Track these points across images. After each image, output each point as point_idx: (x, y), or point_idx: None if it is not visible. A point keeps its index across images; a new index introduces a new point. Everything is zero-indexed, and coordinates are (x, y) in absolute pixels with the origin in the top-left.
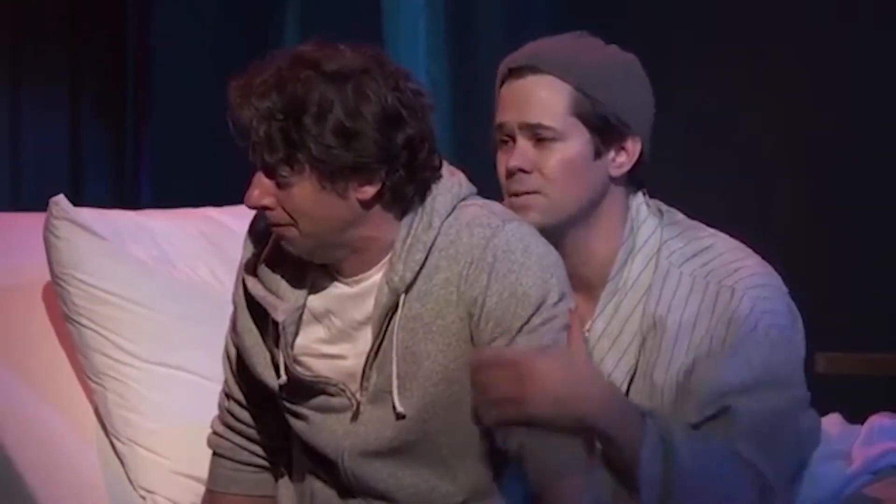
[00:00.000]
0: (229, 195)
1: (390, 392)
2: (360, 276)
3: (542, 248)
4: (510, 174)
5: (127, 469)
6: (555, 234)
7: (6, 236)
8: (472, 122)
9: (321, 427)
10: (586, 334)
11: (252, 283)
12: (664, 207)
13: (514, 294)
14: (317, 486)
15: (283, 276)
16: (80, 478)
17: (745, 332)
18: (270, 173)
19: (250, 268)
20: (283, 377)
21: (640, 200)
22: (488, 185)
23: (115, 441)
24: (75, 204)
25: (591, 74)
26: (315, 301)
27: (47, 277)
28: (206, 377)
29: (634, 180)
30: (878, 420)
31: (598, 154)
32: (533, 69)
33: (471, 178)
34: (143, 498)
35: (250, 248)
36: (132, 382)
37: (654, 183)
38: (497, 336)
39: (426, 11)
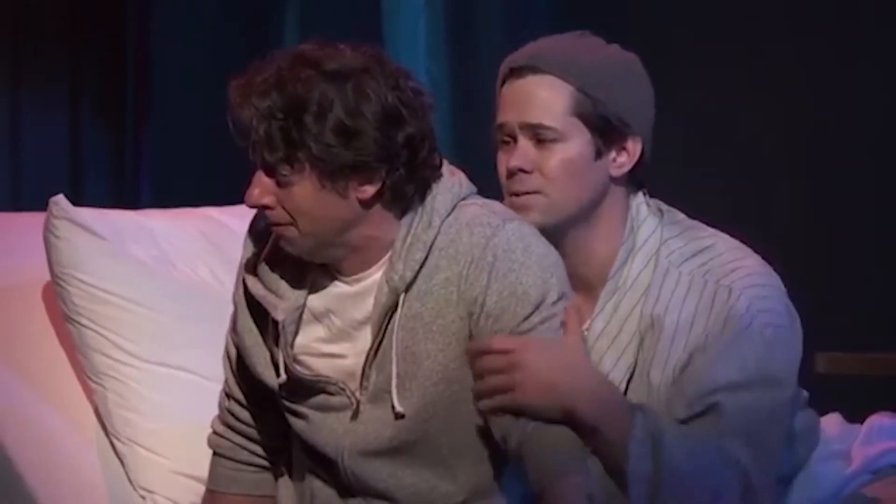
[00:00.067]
0: (229, 195)
1: (390, 391)
2: (360, 275)
3: (543, 248)
4: (511, 174)
5: (127, 469)
6: (555, 233)
7: (6, 236)
8: (472, 122)
9: (321, 426)
10: (585, 333)
11: (252, 283)
12: (664, 207)
13: (514, 293)
14: (317, 485)
15: (283, 276)
16: (80, 478)
17: (740, 329)
18: (271, 172)
19: (250, 267)
20: (283, 376)
21: (640, 200)
22: (488, 185)
23: (115, 441)
24: (75, 204)
25: (592, 74)
26: (315, 300)
27: (47, 277)
28: (206, 377)
29: (635, 180)
30: (877, 419)
31: (598, 154)
32: (534, 69)
33: (471, 178)
34: (143, 498)
35: (250, 248)
36: (132, 382)
37: (654, 183)
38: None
39: (426, 11)
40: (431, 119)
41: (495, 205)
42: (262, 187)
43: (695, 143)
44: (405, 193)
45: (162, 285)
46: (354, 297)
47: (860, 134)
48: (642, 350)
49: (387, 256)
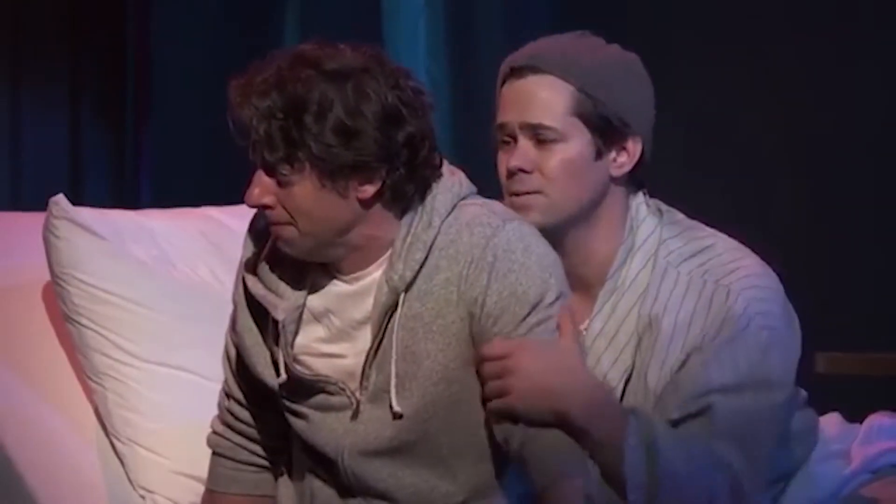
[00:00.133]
0: (229, 195)
1: (389, 391)
2: (359, 274)
3: (542, 248)
4: (511, 174)
5: (127, 469)
6: (555, 233)
7: (6, 236)
8: (472, 122)
9: (321, 426)
10: (583, 333)
11: (252, 282)
12: (664, 207)
13: (513, 293)
14: (316, 485)
15: (282, 275)
16: (80, 478)
17: (737, 331)
18: (271, 172)
19: (250, 267)
20: (283, 376)
21: (639, 200)
22: (488, 185)
23: (115, 441)
24: (75, 204)
25: (592, 74)
26: (314, 300)
27: (47, 277)
28: (206, 377)
29: (635, 180)
30: (877, 419)
31: (598, 154)
32: (534, 69)
33: (471, 178)
34: (143, 498)
35: (250, 247)
36: (132, 382)
37: (654, 183)
38: (496, 334)
39: (426, 11)
40: (431, 119)
41: (495, 205)
42: (262, 187)
43: (695, 143)
44: (405, 193)
45: (162, 285)
46: (354, 296)
47: (860, 134)
48: (640, 350)
49: (386, 255)
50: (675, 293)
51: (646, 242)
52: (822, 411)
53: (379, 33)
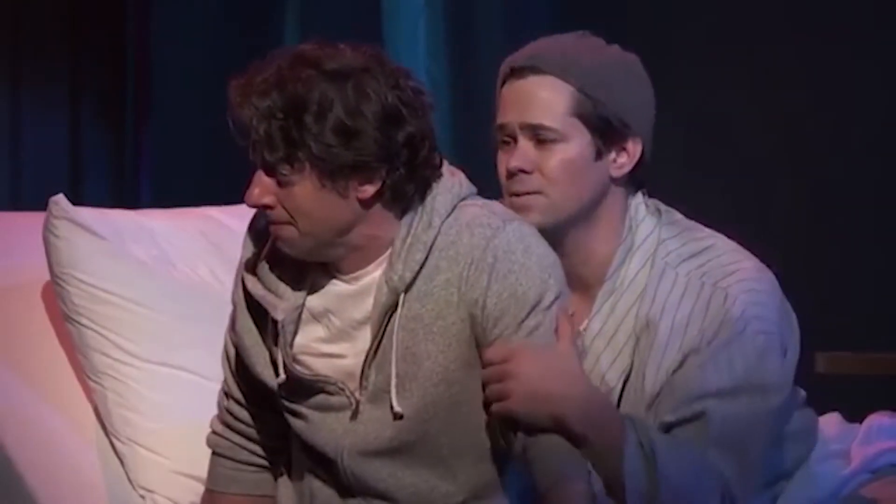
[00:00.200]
0: (229, 195)
1: (389, 392)
2: (359, 273)
3: (543, 249)
4: (511, 175)
5: (127, 469)
6: (555, 233)
7: (6, 236)
8: (472, 122)
9: (320, 426)
10: (582, 333)
11: (252, 283)
12: (663, 207)
13: (513, 294)
14: (316, 485)
15: (282, 276)
16: (80, 478)
17: (733, 335)
18: (271, 172)
19: (250, 267)
20: (282, 376)
21: (638, 200)
22: (488, 185)
23: (114, 441)
24: (75, 204)
25: (592, 75)
26: (314, 300)
27: (47, 277)
28: (206, 377)
29: (635, 181)
30: (876, 419)
31: (598, 155)
32: (534, 69)
33: (471, 178)
34: (143, 497)
35: (250, 247)
36: (132, 382)
37: (654, 183)
38: (497, 336)
39: (426, 11)
40: (431, 119)
41: (495, 205)
42: (262, 187)
43: (695, 143)
44: (405, 193)
45: (162, 285)
46: (354, 296)
47: (860, 134)
48: (638, 351)
49: (386, 255)
50: (673, 294)
51: (644, 242)
52: (822, 411)
53: (379, 33)
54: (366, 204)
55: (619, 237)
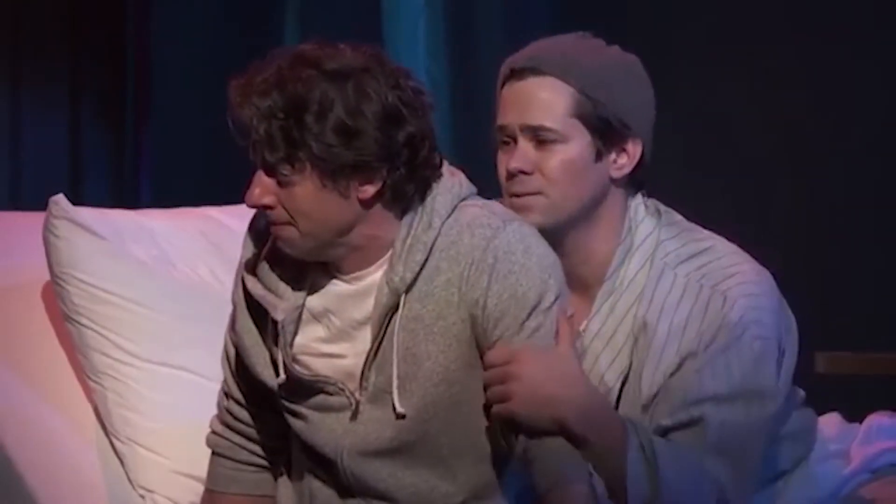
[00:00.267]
0: (229, 195)
1: (390, 392)
2: (359, 274)
3: (543, 249)
4: (511, 175)
5: (127, 469)
6: (555, 234)
7: (6, 236)
8: (472, 122)
9: (320, 426)
10: (581, 333)
11: (251, 283)
12: (662, 208)
13: (514, 295)
14: (316, 485)
15: (282, 276)
16: (80, 478)
17: (731, 339)
18: (271, 172)
19: (250, 267)
20: (282, 376)
21: (638, 201)
22: (488, 185)
23: (114, 441)
24: (75, 204)
25: (592, 76)
26: (314, 300)
27: (47, 277)
28: (206, 377)
29: (635, 181)
30: (876, 419)
31: (599, 156)
32: (534, 70)
33: (471, 178)
34: (143, 497)
35: (250, 248)
36: (132, 382)
37: (654, 183)
38: (498, 337)
39: (426, 11)
40: (431, 119)
41: (495, 205)
42: (262, 187)
43: (695, 143)
44: (406, 193)
45: (162, 285)
46: (354, 296)
47: (860, 134)
48: (636, 352)
49: (386, 255)
50: (672, 295)
51: (644, 243)
52: (822, 411)
53: (379, 33)
54: (366, 204)
55: (618, 237)
